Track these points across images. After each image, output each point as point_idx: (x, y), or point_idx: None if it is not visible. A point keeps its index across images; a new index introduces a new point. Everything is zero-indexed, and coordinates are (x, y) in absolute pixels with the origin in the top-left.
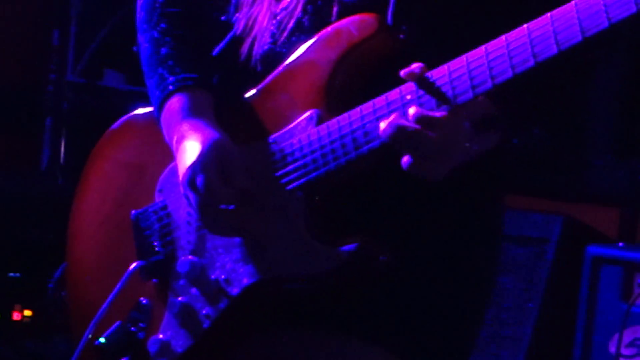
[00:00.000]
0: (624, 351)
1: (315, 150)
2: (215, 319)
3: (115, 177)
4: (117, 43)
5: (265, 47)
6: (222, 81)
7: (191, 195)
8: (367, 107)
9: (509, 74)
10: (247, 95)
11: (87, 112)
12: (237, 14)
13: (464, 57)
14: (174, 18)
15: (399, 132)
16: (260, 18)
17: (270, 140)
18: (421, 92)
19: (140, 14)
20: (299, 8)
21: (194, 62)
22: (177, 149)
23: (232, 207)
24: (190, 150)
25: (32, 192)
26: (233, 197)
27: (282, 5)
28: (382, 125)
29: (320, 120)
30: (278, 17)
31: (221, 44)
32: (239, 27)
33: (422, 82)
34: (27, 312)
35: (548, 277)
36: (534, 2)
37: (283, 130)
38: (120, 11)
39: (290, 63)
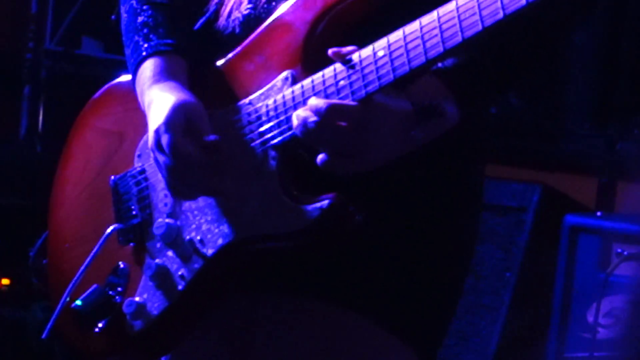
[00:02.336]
0: (602, 320)
1: (289, 109)
2: (191, 280)
3: (97, 145)
4: (95, 11)
5: (245, 12)
6: (204, 49)
7: (160, 157)
8: (340, 65)
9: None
10: (225, 59)
11: (66, 80)
12: None
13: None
14: None
15: (307, 127)
16: None
17: (247, 102)
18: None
19: None
20: None
21: (169, 30)
22: (149, 113)
23: (199, 167)
24: (158, 113)
25: (10, 160)
26: (200, 155)
27: None
28: (294, 117)
29: (295, 81)
30: None
31: (205, 15)
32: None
33: (348, 63)
34: (5, 281)
35: (526, 247)
36: None
37: (259, 92)
38: None
39: (266, 25)
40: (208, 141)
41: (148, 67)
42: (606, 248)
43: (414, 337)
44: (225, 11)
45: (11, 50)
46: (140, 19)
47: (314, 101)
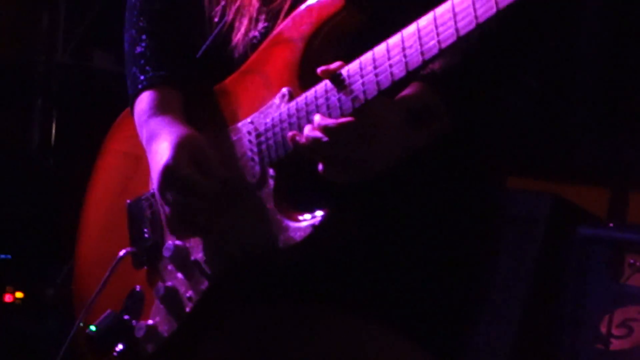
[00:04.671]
0: (615, 331)
1: (285, 127)
2: (197, 301)
3: (116, 168)
4: (107, 24)
5: (254, 36)
6: (209, 73)
7: (168, 197)
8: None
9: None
10: (228, 79)
11: (77, 93)
12: (220, 6)
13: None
14: (152, 15)
15: (316, 146)
16: (249, 9)
17: (249, 121)
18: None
19: (126, 13)
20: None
21: (165, 60)
22: (148, 150)
23: (210, 200)
24: (160, 151)
25: (23, 173)
26: (215, 188)
27: None
28: (305, 130)
29: (292, 97)
30: (268, 7)
31: (210, 37)
32: (227, 19)
33: (336, 79)
34: (19, 294)
35: (538, 257)
36: None
37: (259, 110)
38: None
39: (266, 44)
40: (221, 175)
41: (144, 100)
42: (618, 259)
43: (437, 345)
44: (236, 36)
45: (23, 63)
46: (138, 49)
47: (322, 119)
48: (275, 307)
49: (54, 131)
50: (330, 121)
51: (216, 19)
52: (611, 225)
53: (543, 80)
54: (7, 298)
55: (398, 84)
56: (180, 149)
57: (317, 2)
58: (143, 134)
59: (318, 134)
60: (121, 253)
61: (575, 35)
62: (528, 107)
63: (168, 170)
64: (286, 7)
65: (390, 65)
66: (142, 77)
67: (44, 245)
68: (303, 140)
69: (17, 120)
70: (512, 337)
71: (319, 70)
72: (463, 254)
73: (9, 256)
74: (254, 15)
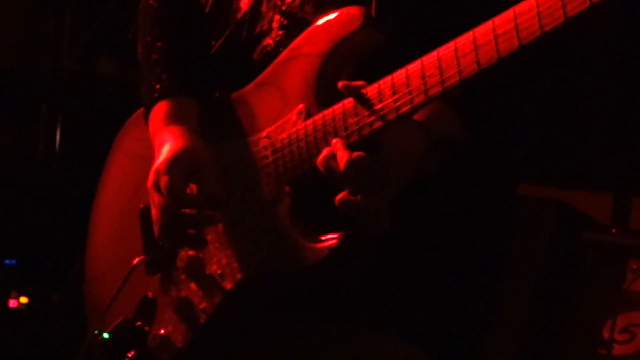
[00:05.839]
0: (618, 337)
1: (301, 145)
2: (212, 313)
3: (129, 170)
4: (113, 30)
5: (267, 44)
6: (224, 76)
7: (155, 196)
8: (348, 102)
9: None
10: (244, 89)
11: (83, 98)
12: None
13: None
14: (166, 23)
15: (332, 173)
16: (265, 11)
17: (265, 135)
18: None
19: (139, 19)
20: (303, 3)
21: (181, 68)
22: (156, 154)
23: (191, 216)
24: (161, 154)
25: (28, 179)
26: (197, 202)
27: (286, 3)
28: (320, 157)
29: (309, 114)
30: (283, 8)
31: (220, 41)
32: (240, 23)
33: (359, 98)
34: (24, 299)
35: (542, 262)
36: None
37: (275, 125)
38: None
39: (282, 57)
40: (211, 194)
41: (160, 110)
42: (622, 264)
43: (447, 354)
44: (247, 40)
45: (28, 68)
46: (154, 56)
47: (338, 149)
48: (291, 313)
49: (58, 137)
50: (345, 153)
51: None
52: (614, 231)
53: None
54: (12, 303)
55: (417, 110)
56: (178, 158)
57: (335, 18)
58: (155, 140)
59: (334, 163)
60: (135, 261)
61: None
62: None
63: (159, 171)
64: (306, 17)
65: (410, 92)
66: (158, 86)
67: (48, 250)
68: (320, 165)
69: (22, 126)
70: (517, 342)
71: (340, 84)
72: (474, 264)
73: (14, 261)
74: (270, 20)
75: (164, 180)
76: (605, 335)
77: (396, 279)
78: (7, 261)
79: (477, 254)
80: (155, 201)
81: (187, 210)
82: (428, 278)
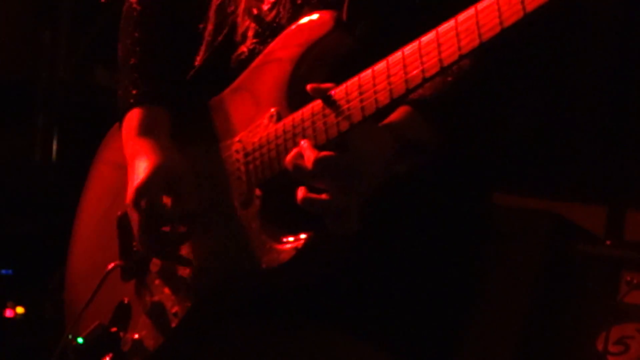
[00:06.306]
0: (612, 348)
1: (272, 148)
2: (183, 317)
3: (109, 179)
4: (109, 41)
5: (242, 51)
6: (204, 85)
7: (134, 214)
8: (317, 104)
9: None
10: (220, 95)
11: (79, 109)
12: (215, 20)
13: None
14: (148, 27)
15: (300, 173)
16: (240, 21)
17: (237, 140)
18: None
19: (121, 21)
20: (278, 11)
21: (158, 76)
22: (130, 166)
23: (171, 233)
24: (138, 171)
25: (24, 189)
26: (179, 216)
27: (264, 6)
28: (288, 157)
29: (279, 118)
30: (258, 16)
31: (203, 50)
32: (220, 32)
33: (327, 100)
34: (20, 309)
35: (535, 275)
36: None
37: (247, 129)
38: (112, 8)
39: (256, 62)
40: (190, 208)
41: (133, 118)
42: (615, 276)
43: None
44: (229, 50)
45: (25, 79)
46: (132, 60)
47: (306, 149)
48: (264, 320)
49: (55, 147)
50: (312, 152)
51: (210, 33)
52: (608, 243)
53: (541, 99)
54: (8, 313)
55: (383, 111)
56: (155, 176)
57: (307, 22)
58: (127, 150)
59: (301, 162)
60: (110, 266)
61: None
62: (527, 127)
63: (138, 192)
64: (280, 24)
65: (375, 92)
66: (134, 92)
67: (45, 260)
68: (288, 165)
69: (19, 136)
70: (510, 354)
71: (308, 86)
72: (448, 270)
73: (10, 271)
74: (246, 29)
75: (143, 201)
76: (599, 347)
77: (368, 285)
78: (3, 271)
79: (450, 259)
80: (135, 220)
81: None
82: (401, 284)
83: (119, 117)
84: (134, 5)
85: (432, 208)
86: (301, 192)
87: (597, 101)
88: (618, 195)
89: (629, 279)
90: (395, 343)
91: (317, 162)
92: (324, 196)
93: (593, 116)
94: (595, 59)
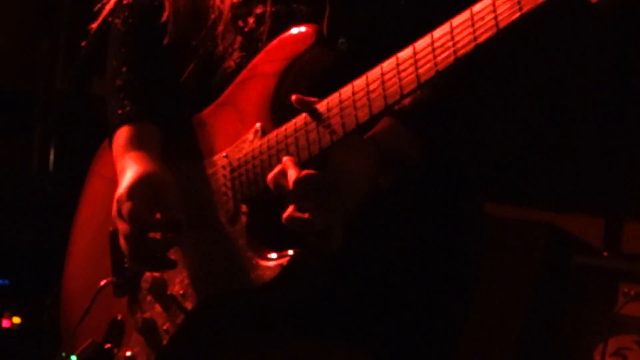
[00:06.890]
0: None
1: (256, 164)
2: (174, 334)
3: (102, 194)
4: (106, 52)
5: (228, 65)
6: (190, 100)
7: (119, 224)
8: (300, 119)
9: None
10: (205, 110)
11: (76, 120)
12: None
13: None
14: (134, 47)
15: (282, 192)
16: (227, 38)
17: (224, 155)
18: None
19: (110, 39)
20: (263, 24)
21: (144, 95)
22: (119, 179)
23: (154, 241)
24: (123, 181)
25: (21, 200)
26: (161, 226)
27: (250, 19)
28: (269, 175)
29: (264, 133)
30: (244, 29)
31: (190, 68)
32: (206, 48)
33: (312, 113)
34: (16, 319)
35: (533, 286)
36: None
37: (233, 145)
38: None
39: (241, 77)
40: (174, 218)
41: (122, 135)
42: (613, 288)
43: None
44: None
45: (22, 89)
46: (118, 81)
47: (288, 167)
48: (257, 331)
49: (52, 157)
50: (294, 171)
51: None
52: (606, 254)
53: (539, 111)
54: (5, 323)
55: (363, 126)
56: (139, 184)
57: (289, 36)
58: (117, 166)
59: (283, 181)
60: (102, 283)
61: (571, 67)
62: (524, 138)
63: (121, 199)
64: (264, 38)
65: (355, 108)
66: (120, 111)
67: (42, 271)
68: (270, 183)
69: (16, 146)
70: None
71: (293, 97)
72: (434, 282)
73: (7, 281)
74: (231, 44)
75: (125, 207)
76: (597, 358)
77: (363, 294)
78: (0, 281)
79: (437, 271)
80: (121, 229)
81: (152, 235)
82: (393, 293)
83: (109, 136)
84: (119, 27)
85: (421, 215)
86: (286, 211)
87: (595, 112)
88: (616, 207)
89: (626, 290)
90: (389, 352)
91: (298, 182)
92: (306, 215)
93: (591, 127)
94: (593, 69)
